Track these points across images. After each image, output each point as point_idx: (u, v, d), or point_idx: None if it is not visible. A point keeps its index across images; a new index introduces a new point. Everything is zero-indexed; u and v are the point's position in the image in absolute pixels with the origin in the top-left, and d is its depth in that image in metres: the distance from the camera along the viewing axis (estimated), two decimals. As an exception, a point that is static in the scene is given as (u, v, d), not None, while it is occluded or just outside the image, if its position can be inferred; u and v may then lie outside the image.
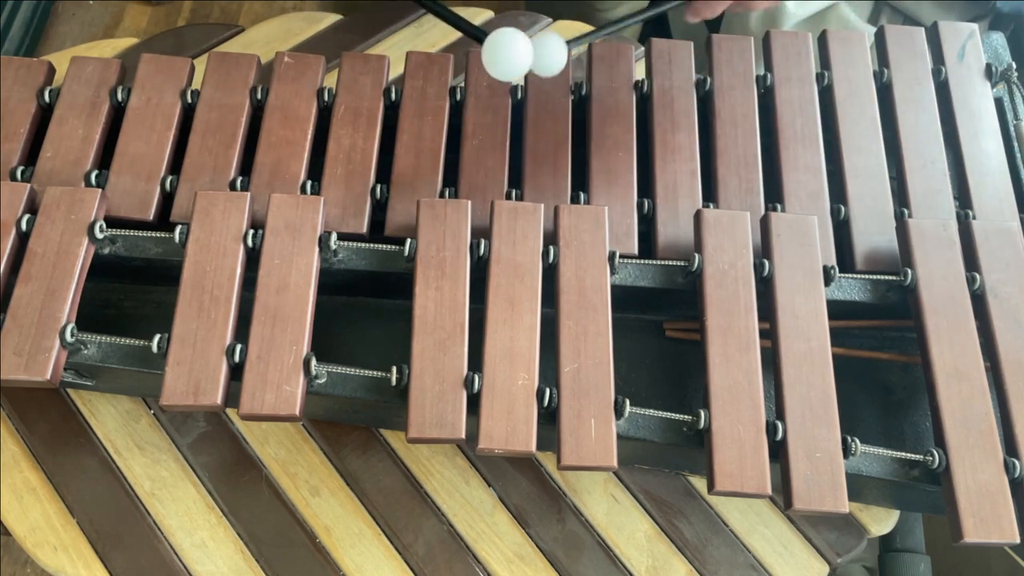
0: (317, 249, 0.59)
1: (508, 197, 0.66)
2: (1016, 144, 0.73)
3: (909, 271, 0.61)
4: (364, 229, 0.64)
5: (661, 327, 0.69)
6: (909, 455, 0.58)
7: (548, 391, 0.55)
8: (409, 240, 0.59)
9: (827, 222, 0.66)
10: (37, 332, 0.55)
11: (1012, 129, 0.74)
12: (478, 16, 0.89)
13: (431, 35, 0.89)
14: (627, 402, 0.55)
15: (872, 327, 0.67)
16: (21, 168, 0.64)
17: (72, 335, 0.55)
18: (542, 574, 0.65)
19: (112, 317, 0.68)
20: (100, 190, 0.60)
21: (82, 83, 0.68)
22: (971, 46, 0.75)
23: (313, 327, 0.57)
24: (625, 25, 0.65)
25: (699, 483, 0.69)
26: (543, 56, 0.57)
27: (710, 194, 0.68)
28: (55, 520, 0.65)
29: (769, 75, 0.72)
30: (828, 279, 0.61)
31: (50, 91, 0.67)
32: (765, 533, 0.67)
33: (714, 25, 1.16)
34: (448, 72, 0.71)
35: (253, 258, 0.59)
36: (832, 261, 0.64)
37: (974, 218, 0.68)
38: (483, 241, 0.59)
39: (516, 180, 0.67)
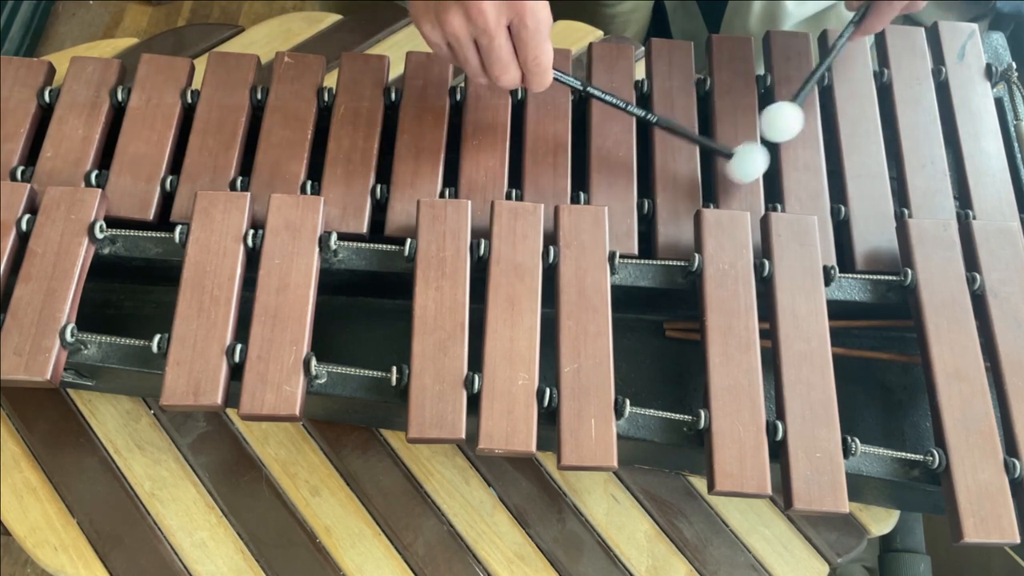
0: (317, 249, 0.59)
1: (508, 197, 0.66)
2: (1016, 144, 0.73)
3: (909, 271, 0.61)
4: (364, 229, 0.64)
5: (661, 327, 0.69)
6: (909, 455, 0.58)
7: (548, 391, 0.55)
8: (409, 240, 0.59)
9: (827, 222, 0.66)
10: (37, 332, 0.55)
11: (1012, 129, 0.74)
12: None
13: (431, 35, 0.89)
14: (627, 402, 0.55)
15: (872, 327, 0.67)
16: (21, 168, 0.64)
17: (72, 335, 0.55)
18: (542, 574, 0.65)
19: (112, 317, 0.68)
20: (100, 190, 0.60)
21: (82, 83, 0.68)
22: (971, 46, 0.75)
23: (313, 327, 0.57)
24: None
25: (699, 483, 0.69)
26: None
27: (710, 194, 0.68)
28: (55, 520, 0.65)
29: (769, 75, 0.72)
30: (828, 279, 0.61)
31: (50, 91, 0.67)
32: (765, 533, 0.67)
33: (714, 25, 1.16)
34: (448, 72, 0.71)
35: (253, 258, 0.59)
36: (832, 261, 0.64)
37: (974, 218, 0.67)
38: (483, 241, 0.59)
39: (516, 180, 0.67)
